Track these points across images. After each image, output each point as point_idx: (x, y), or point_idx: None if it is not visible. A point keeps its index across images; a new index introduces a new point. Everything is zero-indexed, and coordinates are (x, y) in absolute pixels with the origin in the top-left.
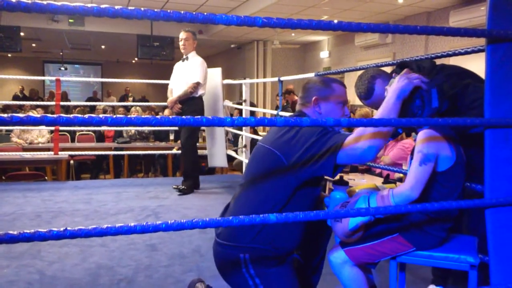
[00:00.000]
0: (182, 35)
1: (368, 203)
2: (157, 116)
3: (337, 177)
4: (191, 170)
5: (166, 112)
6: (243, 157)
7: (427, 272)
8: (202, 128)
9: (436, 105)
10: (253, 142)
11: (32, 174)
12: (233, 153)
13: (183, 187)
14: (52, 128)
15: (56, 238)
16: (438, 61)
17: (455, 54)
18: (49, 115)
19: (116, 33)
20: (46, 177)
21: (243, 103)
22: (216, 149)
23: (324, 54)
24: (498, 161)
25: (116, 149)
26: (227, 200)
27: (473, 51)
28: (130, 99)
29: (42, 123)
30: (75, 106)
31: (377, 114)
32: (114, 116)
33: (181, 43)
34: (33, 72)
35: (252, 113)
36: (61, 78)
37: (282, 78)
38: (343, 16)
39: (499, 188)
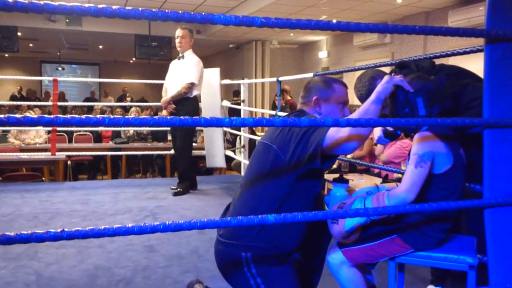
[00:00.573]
0: (179, 32)
1: (364, 204)
2: (155, 117)
3: (337, 175)
4: (187, 171)
5: (164, 112)
6: (242, 158)
7: (426, 272)
8: (200, 128)
9: (423, 113)
10: (251, 142)
11: (29, 174)
12: (231, 154)
13: (178, 189)
14: (49, 128)
15: (53, 239)
16: (437, 61)
17: (454, 54)
18: (46, 115)
19: (113, 33)
20: (43, 178)
21: (242, 103)
22: (214, 149)
23: (322, 54)
24: (497, 161)
25: (113, 149)
26: (226, 200)
27: (472, 51)
28: (128, 99)
29: (39, 123)
30: (74, 107)
31: (356, 112)
32: (112, 117)
33: (177, 40)
34: (30, 72)
35: (236, 111)
36: (59, 78)
37: (280, 78)
38: (342, 16)
39: (498, 188)
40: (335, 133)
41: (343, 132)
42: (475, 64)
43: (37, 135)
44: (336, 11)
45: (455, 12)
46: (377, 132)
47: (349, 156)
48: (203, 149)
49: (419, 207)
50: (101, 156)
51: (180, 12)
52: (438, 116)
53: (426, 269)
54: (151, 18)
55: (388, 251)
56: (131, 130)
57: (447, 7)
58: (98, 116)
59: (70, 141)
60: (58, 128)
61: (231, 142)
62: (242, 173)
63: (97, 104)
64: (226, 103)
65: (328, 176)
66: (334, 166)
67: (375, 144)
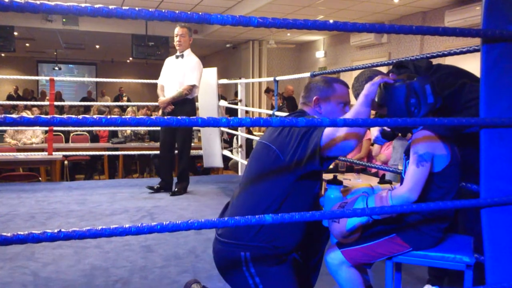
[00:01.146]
0: (178, 30)
1: (366, 204)
2: (152, 117)
3: (331, 176)
4: (186, 172)
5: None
6: (239, 157)
7: (423, 272)
8: (197, 128)
9: (431, 100)
10: (248, 142)
11: (26, 174)
12: (228, 153)
13: (176, 189)
14: (46, 128)
15: (50, 239)
16: (434, 61)
17: (450, 54)
18: (43, 115)
19: (110, 33)
20: (40, 178)
21: (239, 103)
22: (211, 149)
23: (319, 54)
24: (493, 160)
25: (110, 149)
26: (223, 200)
27: (469, 51)
28: (125, 98)
29: (36, 123)
30: (70, 106)
31: (348, 114)
32: (109, 117)
33: (176, 39)
34: (27, 72)
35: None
36: (55, 78)
37: (277, 78)
38: (339, 16)
39: (495, 187)
40: (332, 132)
41: (340, 131)
42: (472, 64)
43: (34, 135)
44: (333, 11)
45: (452, 12)
46: (375, 132)
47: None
48: (200, 149)
49: (416, 206)
50: (98, 156)
51: (177, 12)
52: (437, 114)
53: (423, 268)
54: (148, 18)
55: (387, 251)
56: (128, 130)
57: (444, 7)
58: (95, 116)
59: (67, 141)
60: (55, 128)
61: (228, 142)
62: (239, 173)
63: (94, 104)
64: (224, 103)
65: (325, 176)
66: (331, 166)
67: (372, 144)
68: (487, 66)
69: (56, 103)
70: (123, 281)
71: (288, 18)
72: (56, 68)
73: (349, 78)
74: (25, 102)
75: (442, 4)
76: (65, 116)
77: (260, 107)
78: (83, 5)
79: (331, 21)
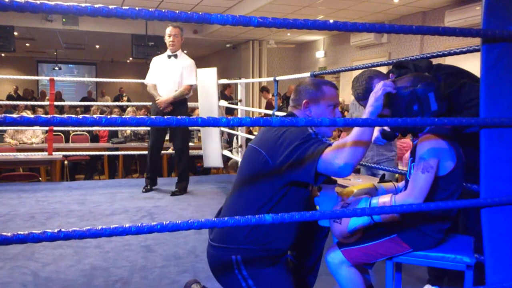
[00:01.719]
0: (171, 30)
1: (370, 206)
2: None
3: None
4: (186, 172)
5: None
6: (239, 157)
7: (423, 272)
8: (197, 128)
9: (435, 108)
10: (248, 142)
11: (26, 174)
12: (228, 153)
13: (176, 189)
14: (46, 128)
15: (50, 239)
16: (434, 61)
17: (450, 54)
18: (43, 115)
19: (110, 33)
20: (40, 178)
21: (239, 103)
22: (211, 149)
23: (319, 54)
24: (493, 160)
25: (110, 149)
26: (223, 200)
27: (469, 51)
28: (125, 98)
29: (36, 123)
30: (70, 106)
31: (350, 135)
32: (109, 117)
33: (169, 39)
34: (27, 72)
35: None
36: (55, 78)
37: (277, 78)
38: (339, 15)
39: (495, 187)
40: (331, 158)
41: (340, 158)
42: (472, 64)
43: (34, 135)
44: (333, 11)
45: (452, 12)
46: (375, 132)
47: None
48: (200, 149)
49: (416, 207)
50: (98, 156)
51: (177, 11)
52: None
53: (424, 268)
54: (148, 18)
55: (387, 251)
56: (128, 130)
57: (444, 7)
58: (95, 116)
59: (67, 141)
60: (55, 128)
61: (228, 142)
62: None
63: (94, 104)
64: (223, 103)
65: None
66: None
67: None
68: (487, 66)
69: (56, 103)
70: (123, 281)
71: (288, 18)
72: (56, 68)
73: (349, 78)
74: (25, 102)
75: (442, 4)
76: (65, 116)
77: (260, 107)
78: (83, 5)
79: (331, 21)
